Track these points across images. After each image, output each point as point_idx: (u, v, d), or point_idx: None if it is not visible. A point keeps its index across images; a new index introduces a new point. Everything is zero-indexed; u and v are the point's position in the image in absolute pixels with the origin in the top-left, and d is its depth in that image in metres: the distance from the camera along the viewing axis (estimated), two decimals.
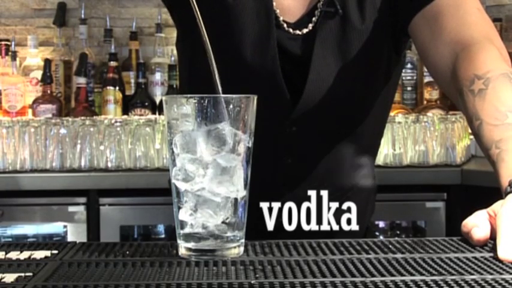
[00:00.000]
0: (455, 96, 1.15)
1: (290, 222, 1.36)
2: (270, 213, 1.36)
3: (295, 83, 1.25)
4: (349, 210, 1.40)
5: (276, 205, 1.35)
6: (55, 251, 0.89)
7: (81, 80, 2.92)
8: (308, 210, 1.37)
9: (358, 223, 1.45)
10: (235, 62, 1.26)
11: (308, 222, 1.37)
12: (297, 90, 1.25)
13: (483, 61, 1.11)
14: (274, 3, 1.26)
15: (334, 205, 1.38)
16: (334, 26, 1.25)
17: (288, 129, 1.28)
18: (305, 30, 1.26)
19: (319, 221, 1.38)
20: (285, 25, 1.27)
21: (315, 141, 1.31)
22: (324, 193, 1.36)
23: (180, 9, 1.31)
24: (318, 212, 1.37)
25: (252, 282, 0.74)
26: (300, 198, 1.35)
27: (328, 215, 1.38)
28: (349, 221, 1.41)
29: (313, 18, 1.26)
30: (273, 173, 1.32)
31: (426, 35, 1.22)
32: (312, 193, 1.35)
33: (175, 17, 1.37)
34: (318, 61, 1.25)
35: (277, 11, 1.27)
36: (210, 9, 1.25)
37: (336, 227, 1.38)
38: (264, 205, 1.34)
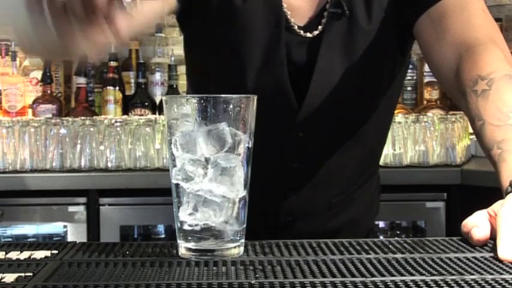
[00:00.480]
0: (458, 96, 1.15)
1: (294, 224, 1.36)
2: (275, 215, 1.36)
3: (300, 85, 1.25)
4: (353, 211, 1.40)
5: (280, 207, 1.35)
6: (55, 251, 0.89)
7: (81, 80, 2.92)
8: (313, 211, 1.37)
9: (363, 223, 1.46)
10: (243, 66, 1.25)
11: (313, 223, 1.37)
12: (302, 92, 1.25)
13: (487, 62, 1.11)
14: (284, 5, 1.26)
15: (341, 206, 1.38)
16: (341, 27, 1.25)
17: (294, 134, 1.28)
18: (315, 32, 1.26)
19: (325, 222, 1.38)
20: (295, 27, 1.26)
21: (321, 145, 1.31)
22: (330, 195, 1.36)
23: (189, 19, 1.31)
24: (323, 213, 1.38)
25: (252, 282, 0.74)
26: (306, 201, 1.35)
27: (333, 216, 1.38)
28: (353, 222, 1.42)
29: (322, 20, 1.26)
30: (278, 177, 1.32)
31: (430, 36, 1.22)
32: (318, 195, 1.36)
33: (183, 27, 1.36)
34: (323, 62, 1.24)
35: (289, 12, 1.26)
36: (219, 14, 1.25)
37: (340, 228, 1.38)
38: (270, 207, 1.35)
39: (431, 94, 2.90)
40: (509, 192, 0.93)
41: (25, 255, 0.88)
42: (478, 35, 1.17)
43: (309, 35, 1.26)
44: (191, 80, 1.41)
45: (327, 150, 1.31)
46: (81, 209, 2.48)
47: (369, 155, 1.39)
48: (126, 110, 2.96)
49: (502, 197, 0.94)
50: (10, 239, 2.54)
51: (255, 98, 0.87)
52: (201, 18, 1.26)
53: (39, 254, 0.88)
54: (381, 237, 2.53)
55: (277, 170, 1.30)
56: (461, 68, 1.14)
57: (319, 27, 1.26)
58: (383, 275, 0.77)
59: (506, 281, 0.74)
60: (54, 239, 2.53)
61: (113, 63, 2.96)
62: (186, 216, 0.85)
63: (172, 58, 3.03)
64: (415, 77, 3.01)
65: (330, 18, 1.25)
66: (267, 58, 1.24)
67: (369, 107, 1.31)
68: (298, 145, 1.29)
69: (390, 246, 0.92)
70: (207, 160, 0.84)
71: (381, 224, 2.63)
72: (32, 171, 2.52)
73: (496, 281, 0.74)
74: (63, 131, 2.53)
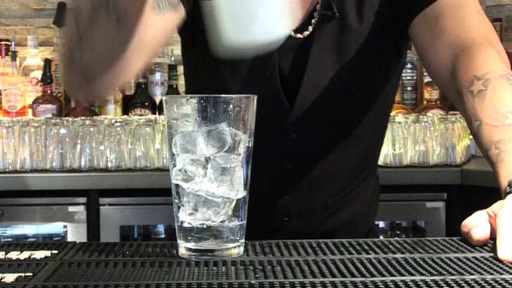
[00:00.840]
0: (455, 97, 1.15)
1: (292, 224, 1.36)
2: (272, 215, 1.36)
3: (292, 86, 1.25)
4: (351, 211, 1.40)
5: (277, 208, 1.35)
6: (55, 251, 0.89)
7: None
8: (310, 212, 1.37)
9: (361, 223, 1.45)
10: (234, 68, 1.25)
11: (310, 223, 1.37)
12: (294, 93, 1.25)
13: (482, 62, 1.11)
14: None
15: (337, 206, 1.38)
16: (331, 28, 1.25)
17: (287, 136, 1.28)
18: (306, 33, 1.26)
19: (322, 223, 1.38)
20: None
21: (315, 146, 1.31)
22: (326, 195, 1.36)
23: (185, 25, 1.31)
24: (320, 213, 1.38)
25: (252, 282, 0.75)
26: (302, 201, 1.35)
27: (330, 217, 1.38)
28: (351, 222, 1.42)
29: (313, 21, 1.26)
30: (274, 178, 1.32)
31: (426, 37, 1.22)
32: (314, 196, 1.36)
33: (179, 31, 1.36)
34: (314, 63, 1.25)
35: None
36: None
37: (337, 228, 1.38)
38: (266, 208, 1.35)
39: (431, 94, 2.90)
40: (508, 193, 0.93)
41: (25, 255, 0.88)
42: (474, 35, 1.17)
43: (299, 35, 1.26)
44: (189, 81, 1.41)
45: (321, 151, 1.31)
46: (81, 209, 2.48)
47: (365, 155, 1.38)
48: (126, 110, 2.95)
49: (502, 197, 0.94)
50: (10, 239, 2.54)
51: (255, 98, 0.87)
52: (196, 25, 1.26)
53: (39, 254, 0.88)
54: (381, 237, 2.53)
55: (272, 171, 1.30)
56: (457, 68, 1.14)
57: (310, 27, 1.26)
58: (383, 275, 0.77)
59: (506, 281, 0.74)
60: (54, 239, 2.53)
61: None
62: (186, 216, 0.85)
63: (172, 58, 3.02)
64: (415, 77, 3.01)
65: (320, 20, 1.25)
66: (258, 59, 1.24)
67: (363, 107, 1.31)
68: (292, 146, 1.29)
69: (390, 246, 0.92)
70: (207, 160, 0.84)
71: (381, 224, 2.63)
72: (32, 171, 2.52)
73: (496, 281, 0.74)
74: (63, 131, 2.53)
